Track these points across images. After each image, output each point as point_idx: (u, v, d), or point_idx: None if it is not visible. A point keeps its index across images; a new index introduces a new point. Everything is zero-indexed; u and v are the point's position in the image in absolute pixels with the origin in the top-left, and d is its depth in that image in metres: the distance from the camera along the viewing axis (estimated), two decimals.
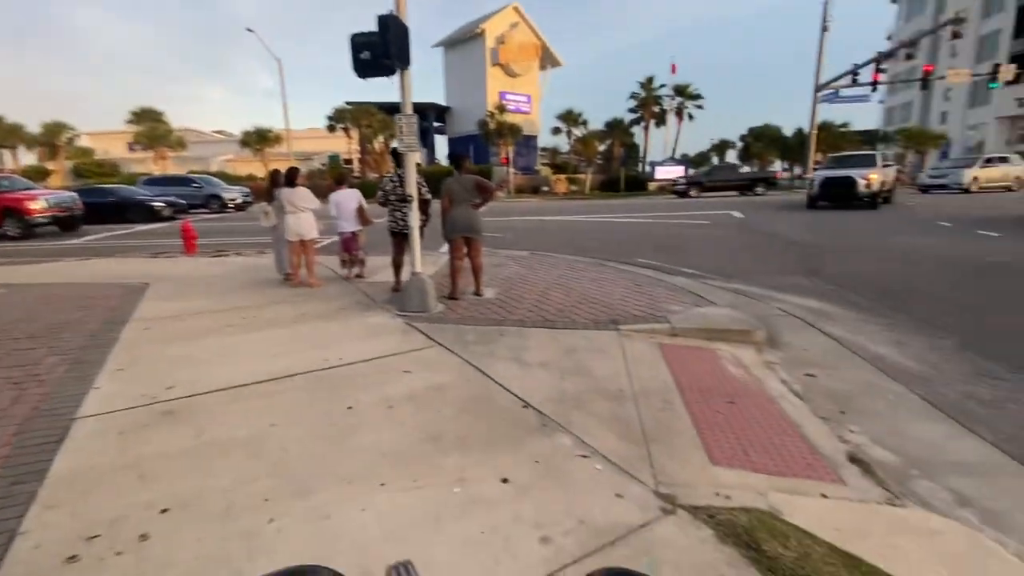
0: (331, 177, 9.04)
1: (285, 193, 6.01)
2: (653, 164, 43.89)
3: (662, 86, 44.45)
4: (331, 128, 32.04)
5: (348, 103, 31.73)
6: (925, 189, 22.98)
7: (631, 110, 47.31)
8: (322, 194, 7.88)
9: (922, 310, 4.79)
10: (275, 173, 6.50)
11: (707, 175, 26.28)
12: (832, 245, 8.76)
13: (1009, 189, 21.07)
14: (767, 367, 3.60)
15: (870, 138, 39.47)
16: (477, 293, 5.50)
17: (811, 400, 3.08)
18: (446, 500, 2.05)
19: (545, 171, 43.33)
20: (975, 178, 21.33)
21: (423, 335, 4.21)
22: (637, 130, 49.48)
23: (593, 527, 1.89)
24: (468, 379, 3.32)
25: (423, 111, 44.49)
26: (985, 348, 3.76)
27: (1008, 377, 3.27)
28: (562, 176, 39.81)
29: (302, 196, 6.05)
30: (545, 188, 37.46)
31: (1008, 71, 24.90)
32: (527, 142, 45.13)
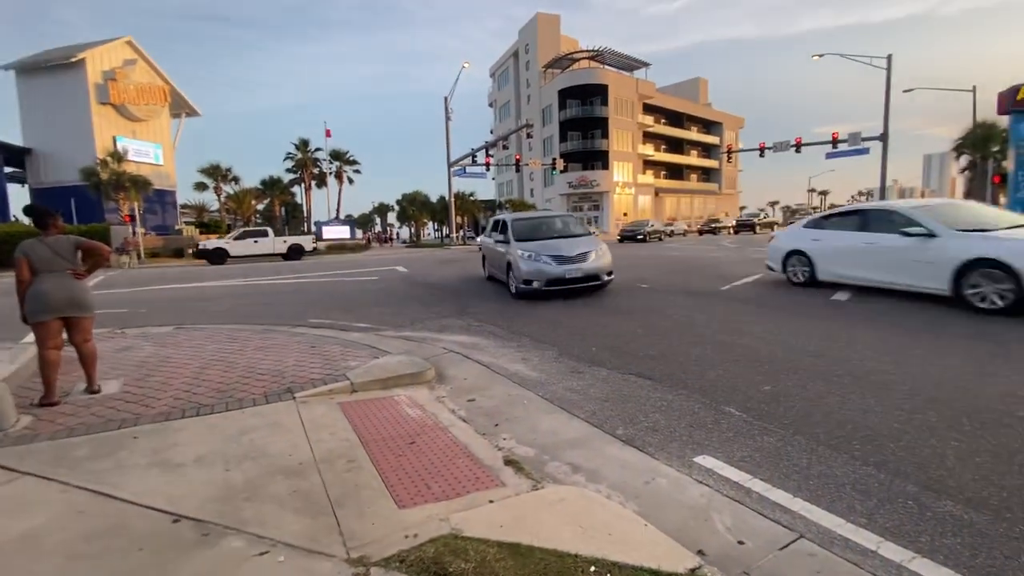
0: None
1: None
2: (319, 224, 43.62)
3: (318, 149, 45.20)
4: None
5: None
6: None
7: (289, 170, 46.11)
8: None
9: (534, 331, 6.34)
10: None
11: None
12: (473, 289, 10.62)
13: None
14: (438, 401, 4.03)
15: (491, 205, 52.00)
16: (92, 390, 4.16)
17: (473, 421, 3.61)
18: None
19: (189, 230, 37.05)
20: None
21: None
22: (299, 190, 48.40)
23: None
24: (81, 511, 2.44)
25: None
26: (571, 353, 5.28)
27: (586, 371, 4.68)
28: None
29: None
30: (192, 251, 31.87)
31: (560, 163, 37.27)
32: (161, 197, 37.89)
